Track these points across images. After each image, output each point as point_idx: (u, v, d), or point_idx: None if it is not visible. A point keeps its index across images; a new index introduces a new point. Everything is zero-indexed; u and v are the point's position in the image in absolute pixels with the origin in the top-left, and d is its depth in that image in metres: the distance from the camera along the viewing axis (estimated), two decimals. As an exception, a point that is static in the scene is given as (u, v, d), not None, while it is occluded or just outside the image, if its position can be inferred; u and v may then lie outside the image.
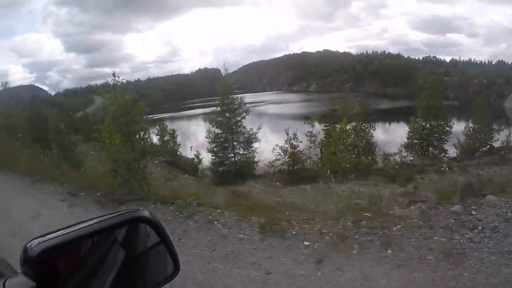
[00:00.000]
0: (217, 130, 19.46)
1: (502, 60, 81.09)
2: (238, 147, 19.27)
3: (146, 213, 1.18)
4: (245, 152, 18.99)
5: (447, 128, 20.29)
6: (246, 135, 19.14)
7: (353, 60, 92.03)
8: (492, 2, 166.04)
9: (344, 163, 14.53)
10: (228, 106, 19.29)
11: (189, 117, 63.43)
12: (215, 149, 19.67)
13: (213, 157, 19.76)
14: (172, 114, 65.21)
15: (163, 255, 1.24)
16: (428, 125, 20.27)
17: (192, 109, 70.71)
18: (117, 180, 6.86)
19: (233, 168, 19.13)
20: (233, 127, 19.13)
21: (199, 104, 72.12)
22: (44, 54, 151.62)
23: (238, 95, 21.37)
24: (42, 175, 8.31)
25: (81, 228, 1.04)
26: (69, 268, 1.03)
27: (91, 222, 1.06)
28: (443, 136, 20.30)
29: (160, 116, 56.82)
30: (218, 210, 5.79)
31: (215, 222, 5.33)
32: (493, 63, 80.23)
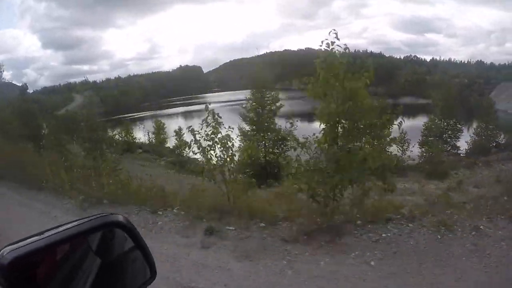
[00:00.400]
0: (248, 127, 18.32)
1: (480, 60, 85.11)
2: (269, 145, 18.23)
3: (119, 218, 1.22)
4: (278, 151, 17.95)
5: (459, 126, 20.76)
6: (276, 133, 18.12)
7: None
8: (471, 3, 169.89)
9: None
10: (260, 101, 18.32)
11: (172, 116, 61.66)
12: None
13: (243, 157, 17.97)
14: (153, 112, 63.11)
15: (139, 260, 1.26)
16: (444, 123, 20.53)
17: (174, 107, 68.81)
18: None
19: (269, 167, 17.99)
20: (265, 123, 18.04)
21: (180, 102, 70.34)
22: (21, 50, 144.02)
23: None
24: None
25: (54, 234, 1.07)
26: (44, 276, 1.05)
27: (63, 228, 1.10)
28: (456, 134, 20.62)
29: (142, 115, 54.82)
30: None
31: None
32: (472, 63, 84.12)
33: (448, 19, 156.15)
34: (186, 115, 58.76)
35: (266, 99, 19.54)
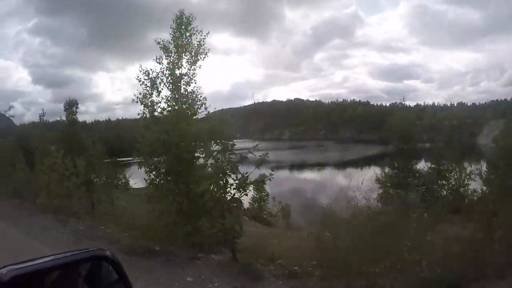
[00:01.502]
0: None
1: (461, 102, 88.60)
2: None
3: (107, 253, 1.36)
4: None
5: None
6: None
7: (325, 108, 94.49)
8: (444, 47, 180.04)
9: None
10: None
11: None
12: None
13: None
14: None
15: None
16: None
17: None
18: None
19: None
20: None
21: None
22: (10, 83, 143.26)
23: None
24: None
25: (48, 261, 1.23)
26: None
27: (59, 256, 1.27)
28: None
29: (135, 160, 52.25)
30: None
31: None
32: (454, 104, 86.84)
33: (423, 65, 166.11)
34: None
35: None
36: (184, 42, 8.36)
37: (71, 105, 17.82)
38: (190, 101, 8.46)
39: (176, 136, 7.73)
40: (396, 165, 17.38)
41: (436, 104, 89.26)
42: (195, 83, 8.53)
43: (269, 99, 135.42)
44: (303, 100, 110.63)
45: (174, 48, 8.37)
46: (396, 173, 17.27)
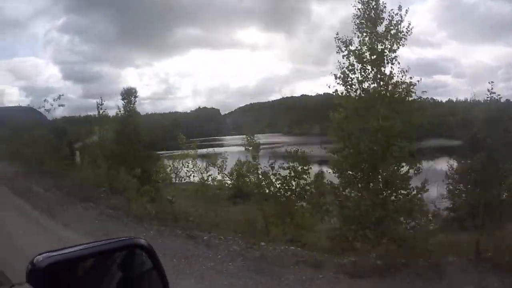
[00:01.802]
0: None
1: (495, 97, 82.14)
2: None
3: (142, 241, 1.38)
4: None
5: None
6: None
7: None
8: (475, 42, 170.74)
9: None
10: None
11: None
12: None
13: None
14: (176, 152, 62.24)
15: (155, 280, 1.38)
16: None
17: (200, 147, 68.27)
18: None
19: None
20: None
21: (203, 143, 70.25)
22: (41, 79, 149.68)
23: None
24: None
25: (84, 248, 1.24)
26: (71, 283, 1.19)
27: (93, 245, 1.28)
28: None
29: (170, 153, 53.65)
30: None
31: None
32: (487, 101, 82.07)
33: (453, 59, 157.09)
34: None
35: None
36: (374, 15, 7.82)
37: (129, 94, 16.54)
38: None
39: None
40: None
41: (468, 99, 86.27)
42: (399, 63, 7.88)
43: (296, 94, 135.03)
44: (332, 94, 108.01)
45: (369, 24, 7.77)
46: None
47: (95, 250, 1.27)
